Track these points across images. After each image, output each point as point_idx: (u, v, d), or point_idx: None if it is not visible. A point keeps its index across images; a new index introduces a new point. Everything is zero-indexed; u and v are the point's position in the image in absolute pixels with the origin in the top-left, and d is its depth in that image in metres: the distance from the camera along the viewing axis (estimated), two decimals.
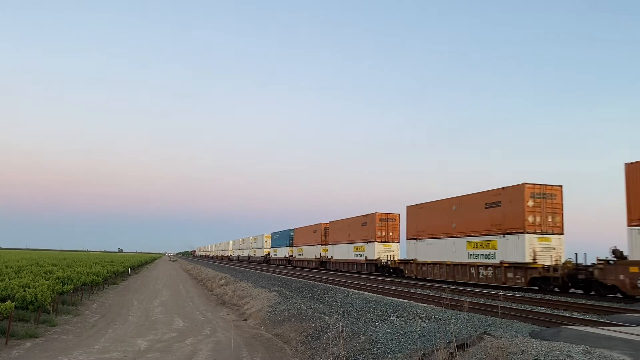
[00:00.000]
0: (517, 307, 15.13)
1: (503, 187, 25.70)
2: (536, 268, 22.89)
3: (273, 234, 78.27)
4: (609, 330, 9.08)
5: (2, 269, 22.03)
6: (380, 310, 13.44)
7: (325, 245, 53.73)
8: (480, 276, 26.60)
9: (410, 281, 29.89)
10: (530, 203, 23.99)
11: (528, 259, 23.41)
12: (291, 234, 67.43)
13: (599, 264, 20.29)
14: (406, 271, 34.43)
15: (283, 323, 14.89)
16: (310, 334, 12.40)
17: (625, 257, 19.10)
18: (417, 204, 34.23)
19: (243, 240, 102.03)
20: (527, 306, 15.95)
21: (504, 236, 25.16)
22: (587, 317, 13.18)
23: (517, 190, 24.47)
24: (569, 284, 22.27)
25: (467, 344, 7.41)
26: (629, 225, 18.84)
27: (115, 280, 33.48)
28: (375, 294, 19.00)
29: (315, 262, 55.09)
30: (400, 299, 17.04)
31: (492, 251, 25.90)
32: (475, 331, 9.13)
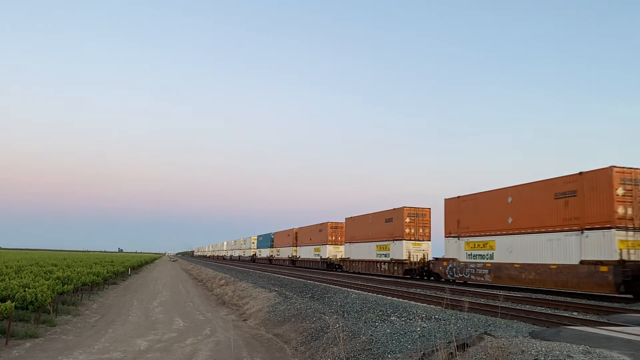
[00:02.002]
0: (517, 307, 15.12)
1: (393, 209, 36.76)
2: (407, 263, 34.32)
3: (259, 236, 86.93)
4: (609, 330, 9.07)
5: (2, 269, 22.01)
6: (380, 310, 13.42)
7: (296, 247, 62.85)
8: (381, 269, 37.38)
9: (410, 281, 29.99)
10: (408, 220, 35.46)
11: (405, 257, 34.60)
12: (272, 236, 76.24)
13: (432, 260, 32.29)
14: (344, 266, 45.53)
15: (283, 323, 14.89)
16: (310, 334, 12.39)
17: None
18: (351, 217, 45.33)
19: (235, 241, 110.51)
20: (527, 306, 15.93)
21: (393, 242, 36.26)
22: (587, 317, 13.17)
23: (400, 211, 35.95)
24: (424, 274, 33.38)
25: (467, 344, 7.41)
26: (445, 237, 29.66)
27: (115, 281, 33.46)
28: (375, 294, 19.00)
29: (288, 261, 64.55)
30: (400, 299, 17.03)
31: (388, 252, 36.92)
32: (475, 331, 9.13)
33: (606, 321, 11.57)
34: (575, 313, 14.61)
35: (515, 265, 23.17)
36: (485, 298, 18.79)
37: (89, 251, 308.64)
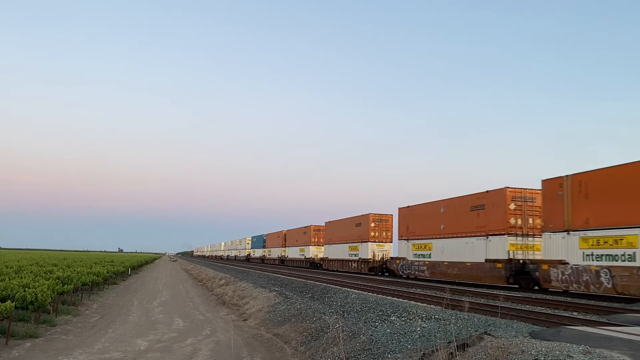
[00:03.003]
0: (517, 307, 15.11)
1: (362, 215, 43.02)
2: (371, 261, 40.31)
3: (252, 237, 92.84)
4: (609, 330, 9.07)
5: (2, 269, 22.01)
6: (380, 310, 13.42)
7: (285, 247, 68.48)
8: (352, 267, 43.74)
9: (409, 281, 29.99)
10: (373, 224, 41.62)
11: (370, 256, 40.65)
12: (264, 238, 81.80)
13: (389, 259, 38.06)
14: (323, 265, 51.63)
15: (283, 323, 14.88)
16: (311, 334, 12.39)
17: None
18: (330, 221, 51.73)
19: (232, 242, 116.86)
20: (527, 306, 15.93)
21: (361, 243, 42.29)
22: (587, 317, 13.16)
23: (366, 217, 42.08)
24: (384, 270, 38.68)
25: (467, 344, 7.40)
26: (398, 239, 35.46)
27: (115, 280, 33.46)
28: (375, 294, 18.99)
29: (278, 261, 70.13)
30: (400, 299, 17.02)
31: (357, 252, 42.93)
32: (476, 331, 9.13)
33: (606, 321, 11.57)
34: (575, 313, 14.61)
35: (445, 263, 28.94)
36: (485, 298, 18.80)
37: (89, 251, 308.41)
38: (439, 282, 27.86)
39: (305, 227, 59.67)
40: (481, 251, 25.98)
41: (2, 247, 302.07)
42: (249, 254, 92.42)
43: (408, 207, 34.29)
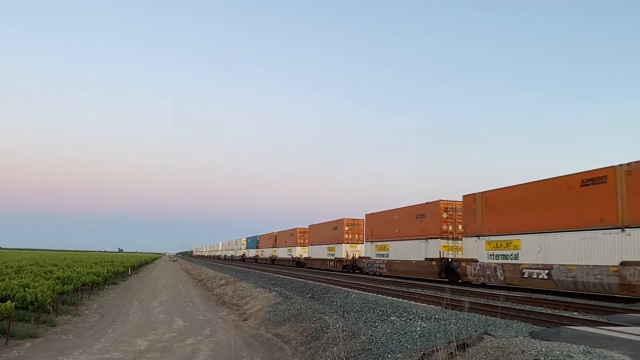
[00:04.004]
0: (517, 307, 15.10)
1: (337, 219, 48.75)
2: (344, 260, 46.21)
3: (247, 238, 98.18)
4: (609, 330, 9.07)
5: (2, 269, 22.01)
6: (380, 310, 13.42)
7: (275, 247, 73.42)
8: (330, 265, 49.34)
9: (409, 281, 30.02)
10: (346, 228, 47.36)
11: (344, 256, 46.53)
12: (257, 239, 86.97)
13: (357, 258, 44.14)
14: (307, 264, 56.78)
15: (283, 323, 14.88)
16: (311, 334, 12.38)
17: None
18: (313, 224, 57.44)
19: (229, 242, 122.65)
20: (527, 306, 15.91)
21: (337, 244, 48.03)
22: (587, 317, 13.14)
23: (341, 221, 47.92)
24: (354, 268, 44.74)
25: (467, 344, 7.40)
26: (365, 241, 41.90)
27: (115, 281, 33.45)
28: (375, 294, 18.99)
29: (269, 260, 74.95)
30: (400, 299, 17.01)
31: (334, 252, 48.68)
32: (476, 331, 9.12)
33: (606, 321, 11.56)
34: (575, 313, 14.59)
35: (397, 262, 34.39)
36: (485, 298, 18.78)
37: (89, 251, 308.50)
38: (395, 277, 33.59)
39: (292, 229, 64.74)
40: (422, 251, 31.06)
41: (2, 247, 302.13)
42: (244, 254, 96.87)
43: (372, 213, 39.77)
